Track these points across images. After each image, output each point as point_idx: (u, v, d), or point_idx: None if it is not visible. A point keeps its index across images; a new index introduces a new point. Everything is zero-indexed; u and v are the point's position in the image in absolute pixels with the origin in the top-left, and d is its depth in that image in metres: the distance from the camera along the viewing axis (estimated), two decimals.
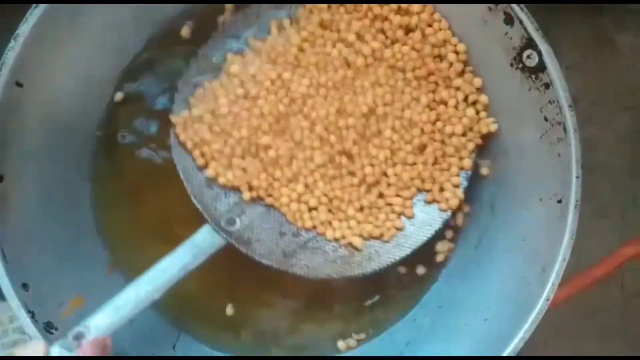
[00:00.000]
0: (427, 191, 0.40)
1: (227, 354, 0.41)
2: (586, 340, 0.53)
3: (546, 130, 0.31)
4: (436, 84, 0.40)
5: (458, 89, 0.40)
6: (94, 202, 0.39)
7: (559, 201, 0.31)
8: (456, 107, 0.40)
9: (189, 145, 0.39)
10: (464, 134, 0.40)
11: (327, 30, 0.40)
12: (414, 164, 0.40)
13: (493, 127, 0.38)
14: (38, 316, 0.30)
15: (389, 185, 0.40)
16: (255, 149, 0.40)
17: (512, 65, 0.32)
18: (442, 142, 0.40)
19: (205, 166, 0.39)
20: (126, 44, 0.39)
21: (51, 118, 0.35)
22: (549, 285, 0.31)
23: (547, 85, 0.30)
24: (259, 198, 0.39)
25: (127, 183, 0.41)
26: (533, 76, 0.31)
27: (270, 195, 0.39)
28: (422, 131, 0.40)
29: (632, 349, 0.51)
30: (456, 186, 0.40)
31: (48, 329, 0.31)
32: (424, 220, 0.40)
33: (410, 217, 0.40)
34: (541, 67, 0.30)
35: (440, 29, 0.39)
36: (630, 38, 0.52)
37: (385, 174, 0.40)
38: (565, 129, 0.30)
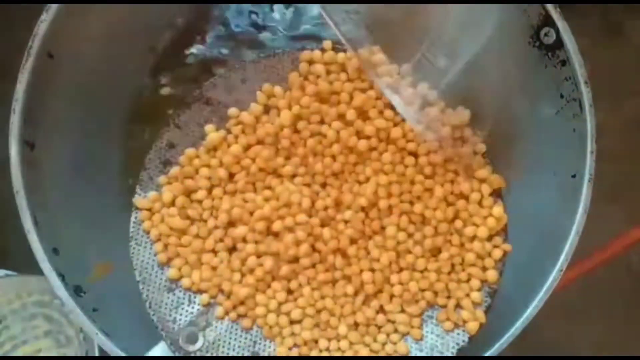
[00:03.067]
0: (441, 307, 0.32)
1: None
2: (591, 322, 0.53)
3: (562, 107, 0.32)
4: (455, 173, 0.32)
5: (484, 181, 0.32)
6: (122, 171, 0.39)
7: (573, 176, 0.32)
8: (480, 203, 0.32)
9: (153, 235, 0.33)
10: (489, 238, 0.32)
11: (324, 104, 0.33)
12: (425, 271, 0.32)
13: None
14: (68, 280, 0.31)
15: (392, 297, 0.32)
16: (232, 242, 0.33)
17: (529, 43, 0.32)
18: (461, 246, 0.32)
19: (168, 263, 0.32)
20: (154, 24, 0.39)
21: (81, 89, 0.35)
22: (562, 256, 0.31)
23: (563, 63, 0.31)
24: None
25: None
26: (550, 53, 0.31)
27: (243, 304, 0.32)
28: (436, 231, 0.32)
29: (636, 332, 0.52)
30: (477, 304, 0.32)
31: (77, 292, 0.31)
32: (434, 345, 0.32)
33: (417, 340, 0.32)
34: (558, 44, 0.31)
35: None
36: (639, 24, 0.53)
37: (388, 282, 0.32)
38: (580, 105, 0.30)
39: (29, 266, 0.37)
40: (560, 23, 0.30)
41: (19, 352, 0.41)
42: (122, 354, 0.31)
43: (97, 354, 0.41)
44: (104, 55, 0.36)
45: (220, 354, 0.31)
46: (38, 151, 0.33)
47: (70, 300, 0.31)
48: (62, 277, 0.31)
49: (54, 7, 0.32)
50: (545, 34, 0.31)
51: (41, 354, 0.41)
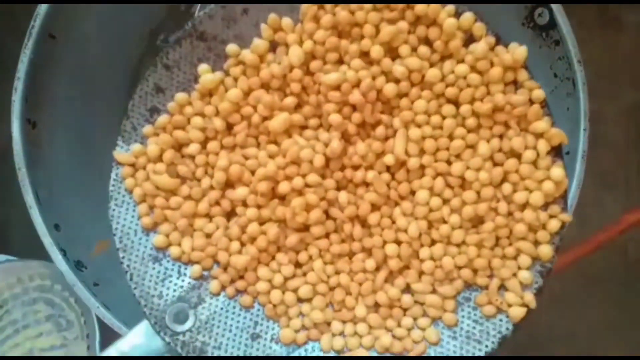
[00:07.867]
0: (481, 288, 0.27)
1: None
2: (588, 308, 0.54)
3: (556, 86, 0.32)
4: (506, 125, 0.26)
5: (541, 136, 0.26)
6: None
7: (567, 153, 0.31)
8: (535, 163, 0.26)
9: (137, 195, 0.27)
10: (544, 206, 0.26)
11: (344, 38, 0.27)
12: (463, 245, 0.27)
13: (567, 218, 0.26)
14: (69, 255, 0.32)
15: (421, 274, 0.27)
16: (229, 205, 0.27)
17: (523, 24, 0.32)
18: (509, 215, 0.26)
19: (153, 229, 0.27)
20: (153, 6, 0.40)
21: (82, 69, 0.36)
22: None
23: (557, 42, 0.31)
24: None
25: None
26: (544, 34, 0.32)
27: (242, 278, 0.27)
28: (479, 197, 0.26)
29: (632, 318, 0.53)
30: (526, 286, 0.26)
31: (78, 267, 0.32)
32: (470, 333, 0.26)
33: (450, 326, 0.27)
34: (552, 24, 0.31)
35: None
36: (636, 17, 0.54)
37: (417, 257, 0.27)
38: (574, 84, 0.31)
39: (30, 253, 0.39)
40: (554, 3, 0.30)
41: (20, 337, 0.40)
42: (123, 327, 0.31)
43: (97, 338, 0.41)
44: (103, 37, 0.36)
45: (214, 336, 0.26)
46: (39, 130, 0.33)
47: (71, 274, 0.32)
48: (63, 252, 0.32)
49: None
50: (539, 15, 0.31)
51: (42, 338, 0.40)
